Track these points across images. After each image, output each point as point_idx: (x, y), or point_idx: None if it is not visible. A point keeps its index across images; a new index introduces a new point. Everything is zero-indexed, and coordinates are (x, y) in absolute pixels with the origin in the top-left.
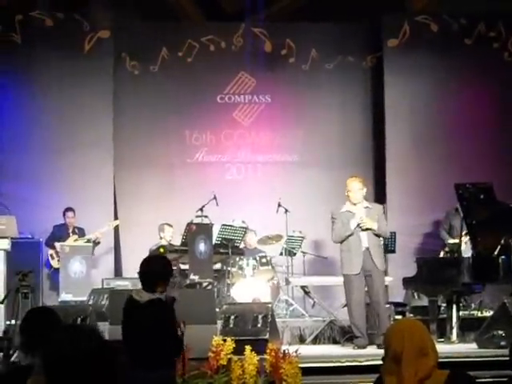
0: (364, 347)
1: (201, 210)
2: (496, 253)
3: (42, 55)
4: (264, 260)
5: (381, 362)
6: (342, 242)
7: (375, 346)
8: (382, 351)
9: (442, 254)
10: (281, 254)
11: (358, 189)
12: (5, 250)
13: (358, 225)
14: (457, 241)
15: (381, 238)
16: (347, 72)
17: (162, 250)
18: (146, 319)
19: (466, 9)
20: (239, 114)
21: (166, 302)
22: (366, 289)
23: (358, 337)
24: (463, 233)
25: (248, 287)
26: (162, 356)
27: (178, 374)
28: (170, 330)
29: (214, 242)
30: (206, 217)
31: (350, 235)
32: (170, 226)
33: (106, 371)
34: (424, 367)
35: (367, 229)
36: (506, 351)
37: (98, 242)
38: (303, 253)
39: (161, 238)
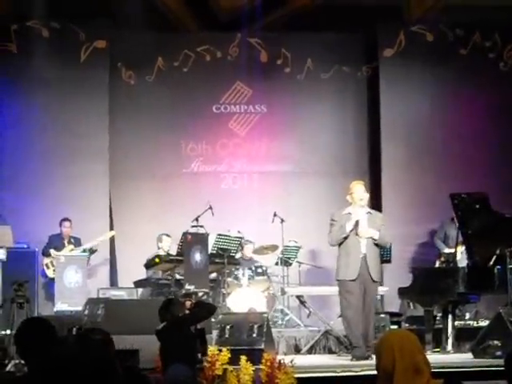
0: (363, 358)
1: (196, 219)
2: (491, 263)
3: (38, 65)
4: (260, 270)
5: (376, 372)
6: (340, 246)
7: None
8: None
9: (437, 264)
10: (276, 263)
11: (362, 191)
12: (0, 259)
13: (353, 229)
14: (452, 250)
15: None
16: (343, 82)
17: (157, 259)
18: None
19: (461, 19)
20: (235, 124)
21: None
22: None
23: (355, 347)
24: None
25: (243, 297)
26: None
27: None
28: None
29: (209, 251)
30: (201, 227)
31: (345, 238)
32: (168, 236)
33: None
34: None
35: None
36: (501, 361)
37: (95, 250)
38: (299, 263)
39: (159, 248)
